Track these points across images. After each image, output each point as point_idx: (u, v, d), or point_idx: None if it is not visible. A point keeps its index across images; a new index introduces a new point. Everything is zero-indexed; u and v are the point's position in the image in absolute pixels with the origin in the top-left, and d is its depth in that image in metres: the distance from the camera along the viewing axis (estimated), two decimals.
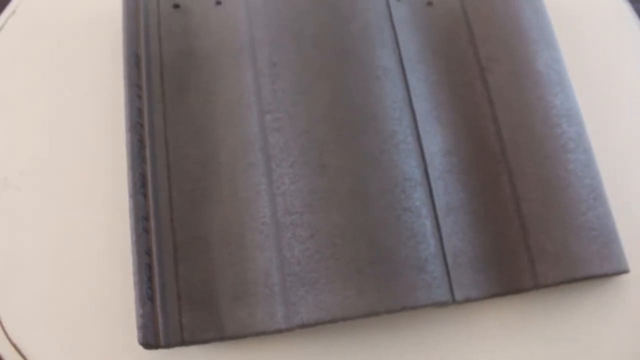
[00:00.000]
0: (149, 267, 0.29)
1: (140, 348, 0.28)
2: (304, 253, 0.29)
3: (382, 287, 0.28)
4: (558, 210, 0.35)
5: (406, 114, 0.34)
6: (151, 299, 0.29)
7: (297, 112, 0.31)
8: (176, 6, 0.35)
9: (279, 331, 0.29)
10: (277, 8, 0.33)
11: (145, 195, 0.30)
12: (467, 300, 0.33)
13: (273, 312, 0.29)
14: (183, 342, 0.29)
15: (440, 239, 0.33)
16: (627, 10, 0.46)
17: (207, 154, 0.32)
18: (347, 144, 0.30)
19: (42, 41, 0.36)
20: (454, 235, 0.34)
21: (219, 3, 0.35)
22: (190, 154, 0.32)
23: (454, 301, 0.32)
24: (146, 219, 0.30)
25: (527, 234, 0.34)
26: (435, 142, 0.36)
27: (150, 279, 0.29)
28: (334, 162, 0.30)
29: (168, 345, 0.29)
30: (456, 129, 0.37)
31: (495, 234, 0.35)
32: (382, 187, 0.30)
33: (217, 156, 0.32)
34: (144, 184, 0.30)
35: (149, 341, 0.28)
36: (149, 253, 0.29)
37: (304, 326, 0.29)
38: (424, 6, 0.40)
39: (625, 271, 0.35)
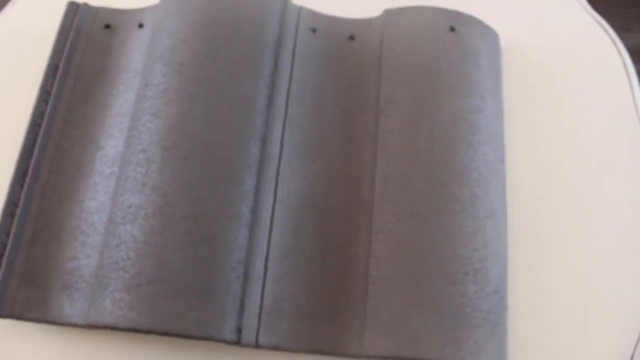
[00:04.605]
0: (4, 246, 0.34)
1: None
2: (107, 260, 0.31)
3: (152, 307, 0.29)
4: (408, 277, 0.31)
5: (256, 147, 0.33)
6: None
7: (144, 132, 0.33)
8: (107, 26, 0.40)
9: (86, 326, 0.32)
10: (164, 35, 0.36)
11: (22, 185, 0.35)
12: (277, 349, 0.31)
13: (84, 308, 0.32)
14: (12, 315, 0.33)
15: (264, 278, 0.32)
16: (617, 56, 0.38)
17: (86, 159, 0.36)
18: (169, 168, 0.32)
19: None
20: (286, 278, 0.32)
21: (140, 26, 0.39)
22: (73, 156, 0.36)
23: (257, 345, 0.31)
24: (16, 205, 0.35)
25: (367, 297, 0.31)
26: (300, 179, 0.34)
27: (2, 255, 0.34)
28: (152, 183, 0.31)
29: None
30: (333, 170, 0.35)
31: (338, 288, 0.32)
32: (186, 214, 0.31)
33: (92, 162, 0.36)
34: (24, 176, 0.36)
35: None
36: (7, 234, 0.34)
37: (91, 327, 0.31)
38: (344, 40, 0.38)
39: None
